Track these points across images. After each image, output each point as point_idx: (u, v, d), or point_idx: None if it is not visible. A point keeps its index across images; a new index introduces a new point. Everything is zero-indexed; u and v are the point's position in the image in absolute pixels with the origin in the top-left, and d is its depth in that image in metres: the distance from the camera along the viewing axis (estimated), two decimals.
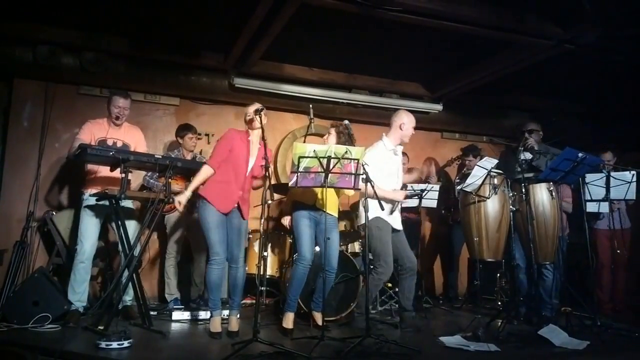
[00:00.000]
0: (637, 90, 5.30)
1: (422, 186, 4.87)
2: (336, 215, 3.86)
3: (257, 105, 3.51)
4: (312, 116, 4.95)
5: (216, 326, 3.42)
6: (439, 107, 5.91)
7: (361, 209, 3.65)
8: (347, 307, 4.02)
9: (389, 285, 4.58)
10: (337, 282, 4.00)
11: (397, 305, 4.30)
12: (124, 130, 4.16)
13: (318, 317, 3.73)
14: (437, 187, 5.01)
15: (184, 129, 4.75)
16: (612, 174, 4.03)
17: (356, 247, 4.74)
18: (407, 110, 4.15)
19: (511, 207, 3.92)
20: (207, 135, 5.58)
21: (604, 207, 4.34)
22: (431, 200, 4.98)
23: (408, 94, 5.84)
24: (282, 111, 5.90)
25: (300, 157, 3.27)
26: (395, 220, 3.93)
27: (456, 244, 5.53)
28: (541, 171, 4.05)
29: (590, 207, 4.28)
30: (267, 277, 4.32)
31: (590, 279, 4.52)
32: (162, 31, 4.58)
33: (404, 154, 4.51)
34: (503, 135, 6.19)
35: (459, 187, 4.30)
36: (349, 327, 3.84)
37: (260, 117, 3.43)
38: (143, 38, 4.72)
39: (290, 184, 3.45)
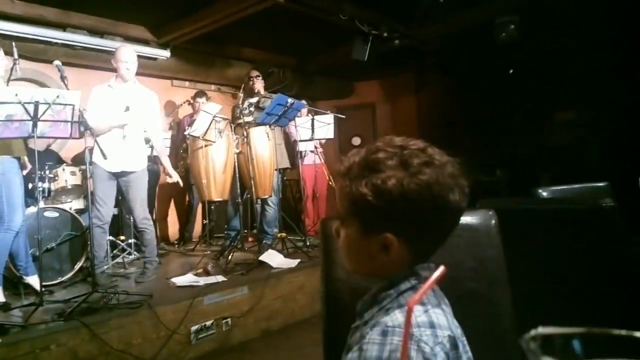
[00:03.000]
0: (333, 48, 6.24)
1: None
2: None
3: None
4: (16, 57, 4.22)
5: None
6: (166, 53, 5.78)
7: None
8: (72, 269, 3.78)
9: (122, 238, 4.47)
10: (61, 242, 3.70)
11: (129, 257, 4.29)
12: None
13: (35, 282, 3.37)
14: (167, 135, 5.03)
15: None
16: (316, 117, 4.76)
17: (81, 203, 4.42)
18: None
19: (235, 149, 4.25)
20: None
21: (310, 147, 5.11)
22: (167, 148, 4.99)
23: (133, 37, 5.51)
24: None
25: None
26: (117, 163, 3.61)
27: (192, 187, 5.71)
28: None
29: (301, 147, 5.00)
30: None
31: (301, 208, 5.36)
32: None
33: None
34: (229, 85, 6.54)
35: (186, 132, 4.41)
36: (77, 287, 3.63)
37: None
38: None
39: None
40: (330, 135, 4.87)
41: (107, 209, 3.60)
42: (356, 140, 7.21)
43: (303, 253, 4.24)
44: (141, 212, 3.72)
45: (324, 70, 6.94)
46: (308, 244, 4.51)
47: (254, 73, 4.91)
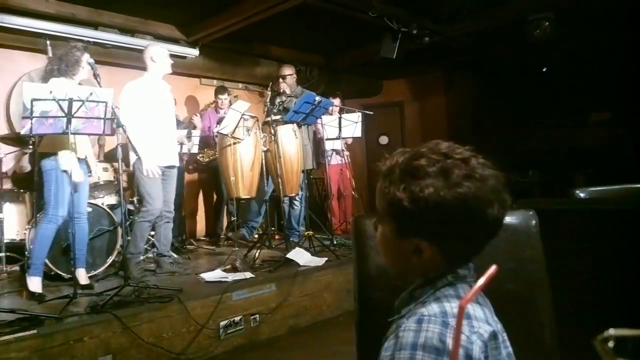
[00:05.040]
0: (361, 46, 6.21)
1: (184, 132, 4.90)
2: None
3: None
4: (50, 55, 4.34)
5: None
6: (195, 52, 5.84)
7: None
8: (104, 263, 3.86)
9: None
10: (93, 237, 3.77)
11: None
12: None
13: (81, 275, 3.43)
14: (197, 133, 5.10)
15: None
16: (343, 115, 4.74)
17: (114, 199, 4.51)
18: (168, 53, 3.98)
19: (262, 147, 4.27)
20: None
21: (337, 145, 5.10)
22: (195, 145, 5.12)
23: (163, 36, 5.59)
24: (11, 49, 5.00)
25: (33, 100, 2.89)
26: (166, 157, 3.78)
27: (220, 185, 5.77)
28: None
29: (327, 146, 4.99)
30: (7, 241, 3.83)
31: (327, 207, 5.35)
32: None
33: None
34: (257, 83, 6.57)
35: (215, 130, 4.45)
36: (110, 281, 3.70)
37: None
38: None
39: (22, 132, 3.04)
40: (358, 134, 4.84)
41: (157, 204, 3.68)
42: (383, 139, 7.17)
43: (330, 252, 4.23)
44: (172, 206, 3.84)
45: (352, 68, 6.91)
46: (335, 242, 4.49)
47: (286, 71, 4.90)
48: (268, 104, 4.42)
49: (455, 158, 0.83)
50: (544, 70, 6.33)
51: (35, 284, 3.23)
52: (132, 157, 3.66)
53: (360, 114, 4.83)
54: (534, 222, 1.30)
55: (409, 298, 0.89)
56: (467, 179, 0.81)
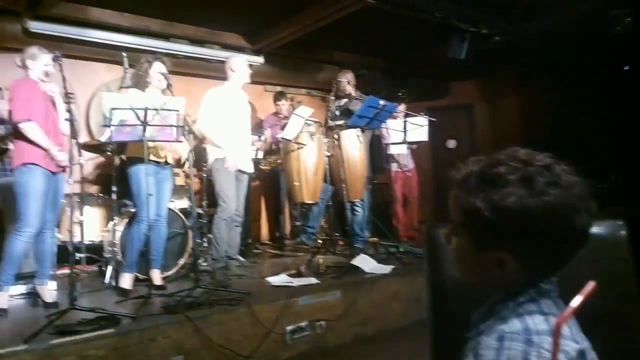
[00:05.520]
0: (426, 47, 6.06)
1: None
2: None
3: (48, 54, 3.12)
4: (127, 66, 4.58)
5: (4, 301, 3.06)
6: (260, 59, 5.96)
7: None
8: (176, 264, 3.99)
9: None
10: (166, 239, 3.92)
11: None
12: None
13: (155, 276, 3.60)
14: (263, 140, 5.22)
15: None
16: (408, 119, 4.63)
17: (185, 203, 4.68)
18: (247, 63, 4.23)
19: (326, 152, 4.26)
20: None
21: (402, 150, 4.98)
22: (260, 151, 5.25)
23: (230, 45, 5.76)
24: (91, 61, 5.33)
25: (112, 109, 3.05)
26: (241, 162, 3.98)
27: (281, 189, 5.83)
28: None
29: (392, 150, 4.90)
30: (87, 243, 4.05)
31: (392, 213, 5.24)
32: None
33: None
34: (320, 88, 6.60)
35: (279, 136, 4.50)
36: (179, 282, 3.83)
37: (61, 66, 3.06)
38: None
39: (102, 139, 3.23)
40: (424, 137, 4.69)
41: (232, 204, 3.87)
42: (451, 143, 6.93)
43: (396, 259, 4.14)
44: (242, 211, 4.04)
45: (417, 71, 6.77)
46: (401, 250, 4.38)
47: (344, 76, 4.89)
48: (331, 107, 4.43)
49: (536, 165, 0.79)
50: (625, 68, 5.88)
51: (126, 280, 3.46)
52: (211, 158, 3.84)
53: (426, 117, 4.69)
54: (623, 232, 1.22)
55: (488, 313, 0.85)
56: (552, 187, 0.76)
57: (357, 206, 4.55)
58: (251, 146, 4.29)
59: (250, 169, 4.12)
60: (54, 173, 3.15)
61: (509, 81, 7.05)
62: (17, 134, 3.08)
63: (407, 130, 4.54)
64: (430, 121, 4.68)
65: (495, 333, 0.77)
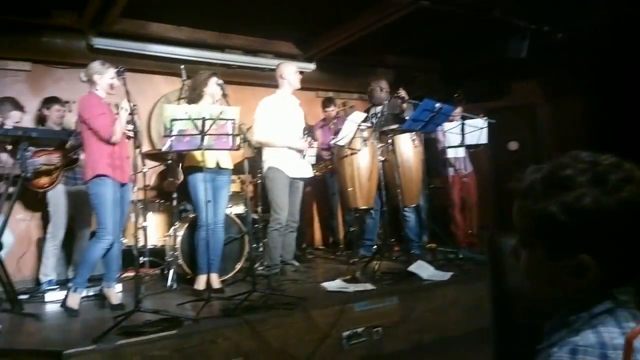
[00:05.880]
0: (479, 47, 5.88)
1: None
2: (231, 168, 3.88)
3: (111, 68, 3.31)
4: (184, 78, 4.75)
5: (76, 302, 3.24)
6: (312, 66, 6.02)
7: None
8: (233, 268, 4.08)
9: None
10: (224, 244, 4.01)
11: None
12: None
13: (214, 279, 3.69)
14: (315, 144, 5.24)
15: (50, 101, 4.42)
16: (466, 121, 4.49)
17: (241, 208, 4.78)
18: (297, 70, 4.29)
19: (380, 157, 4.22)
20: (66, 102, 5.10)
21: (460, 153, 4.84)
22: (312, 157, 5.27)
23: (282, 53, 5.85)
24: (151, 73, 5.58)
25: (172, 120, 3.17)
26: (296, 169, 4.02)
27: (333, 195, 5.83)
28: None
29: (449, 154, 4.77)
30: (150, 247, 4.22)
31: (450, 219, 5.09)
32: None
33: None
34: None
35: (332, 142, 4.50)
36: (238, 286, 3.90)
37: (124, 79, 3.22)
38: None
39: (164, 148, 3.35)
40: (484, 140, 4.52)
41: (284, 213, 3.90)
42: (513, 145, 6.63)
43: (455, 266, 4.02)
44: (297, 217, 4.06)
45: (473, 71, 6.57)
46: (460, 256, 4.25)
47: (376, 84, 4.89)
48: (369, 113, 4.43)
49: (604, 164, 0.76)
50: None
51: (201, 281, 3.60)
52: (265, 167, 3.89)
53: (485, 119, 4.53)
54: None
55: (561, 324, 0.80)
56: (627, 182, 0.74)
57: (406, 212, 4.46)
58: (311, 150, 4.27)
59: (307, 173, 4.13)
60: (122, 184, 3.31)
61: (575, 80, 6.66)
62: (88, 147, 3.25)
63: (465, 133, 4.41)
64: (489, 123, 4.52)
65: (567, 346, 0.73)
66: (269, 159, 3.96)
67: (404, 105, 4.57)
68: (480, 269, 4.02)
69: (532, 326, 0.89)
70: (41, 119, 4.61)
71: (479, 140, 4.51)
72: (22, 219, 4.74)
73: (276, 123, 3.95)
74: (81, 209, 4.25)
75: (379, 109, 4.80)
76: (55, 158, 4.03)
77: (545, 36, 4.86)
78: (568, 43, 5.12)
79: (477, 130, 4.45)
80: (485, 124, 4.49)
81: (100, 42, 4.77)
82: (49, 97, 4.49)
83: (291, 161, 3.97)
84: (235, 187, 4.51)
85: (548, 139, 6.59)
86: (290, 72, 4.09)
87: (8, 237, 3.66)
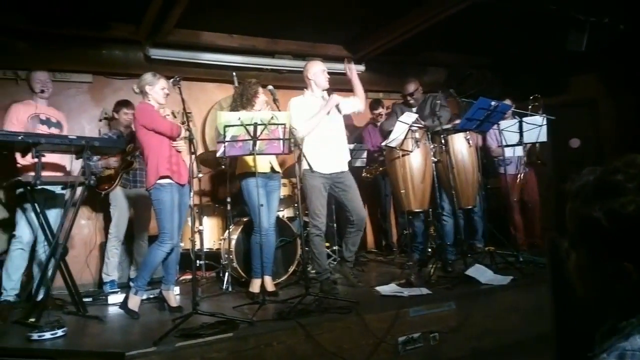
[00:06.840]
0: (534, 42, 5.62)
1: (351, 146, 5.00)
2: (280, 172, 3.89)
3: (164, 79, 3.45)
4: (236, 84, 4.85)
5: (136, 304, 3.35)
6: (361, 67, 5.96)
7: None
8: (286, 272, 4.11)
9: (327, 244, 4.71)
10: (277, 247, 4.04)
11: (334, 263, 4.46)
12: (53, 109, 4.13)
13: (268, 282, 3.73)
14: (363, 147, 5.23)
15: (119, 104, 4.67)
16: (525, 119, 4.29)
17: (292, 212, 4.81)
18: (325, 69, 4.05)
19: (433, 158, 4.11)
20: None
21: (518, 152, 4.63)
22: (362, 159, 5.23)
23: (331, 56, 5.83)
24: (205, 81, 5.73)
25: (225, 126, 3.23)
26: (329, 164, 3.78)
27: (386, 197, 5.75)
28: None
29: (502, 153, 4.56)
30: (205, 250, 4.32)
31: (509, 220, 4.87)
32: (63, 2, 4.25)
33: None
34: (425, 91, 6.38)
35: (383, 144, 4.43)
36: (291, 289, 3.92)
37: (180, 88, 3.32)
38: (42, 12, 4.35)
39: (218, 154, 3.43)
40: (543, 138, 4.28)
41: (321, 219, 3.79)
42: (575, 142, 6.28)
43: (515, 269, 3.85)
44: (361, 213, 3.85)
45: (529, 66, 6.31)
46: (521, 259, 4.06)
47: (411, 88, 4.89)
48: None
49: None
50: None
51: (255, 284, 3.65)
52: (301, 169, 3.77)
53: (545, 116, 4.31)
54: None
55: (611, 330, 0.81)
56: None
57: (470, 214, 4.31)
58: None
59: (345, 167, 3.85)
60: (181, 185, 3.40)
61: (636, 74, 6.24)
62: (148, 153, 3.36)
63: (524, 131, 4.22)
64: (549, 120, 4.30)
65: (616, 351, 0.74)
66: (303, 160, 3.72)
67: (438, 102, 4.32)
68: (541, 272, 3.84)
69: (593, 332, 0.87)
70: (111, 121, 4.95)
71: (539, 138, 4.29)
72: (85, 225, 4.99)
73: (305, 119, 3.79)
74: (140, 213, 4.43)
75: (414, 110, 4.68)
76: (113, 162, 4.25)
77: (605, 28, 4.56)
78: (630, 35, 4.80)
79: (536, 127, 4.24)
80: (544, 121, 4.27)
81: (156, 53, 4.96)
82: (119, 101, 4.73)
83: (329, 156, 3.77)
84: (285, 191, 4.53)
85: (611, 135, 6.21)
86: (316, 71, 3.92)
87: None
